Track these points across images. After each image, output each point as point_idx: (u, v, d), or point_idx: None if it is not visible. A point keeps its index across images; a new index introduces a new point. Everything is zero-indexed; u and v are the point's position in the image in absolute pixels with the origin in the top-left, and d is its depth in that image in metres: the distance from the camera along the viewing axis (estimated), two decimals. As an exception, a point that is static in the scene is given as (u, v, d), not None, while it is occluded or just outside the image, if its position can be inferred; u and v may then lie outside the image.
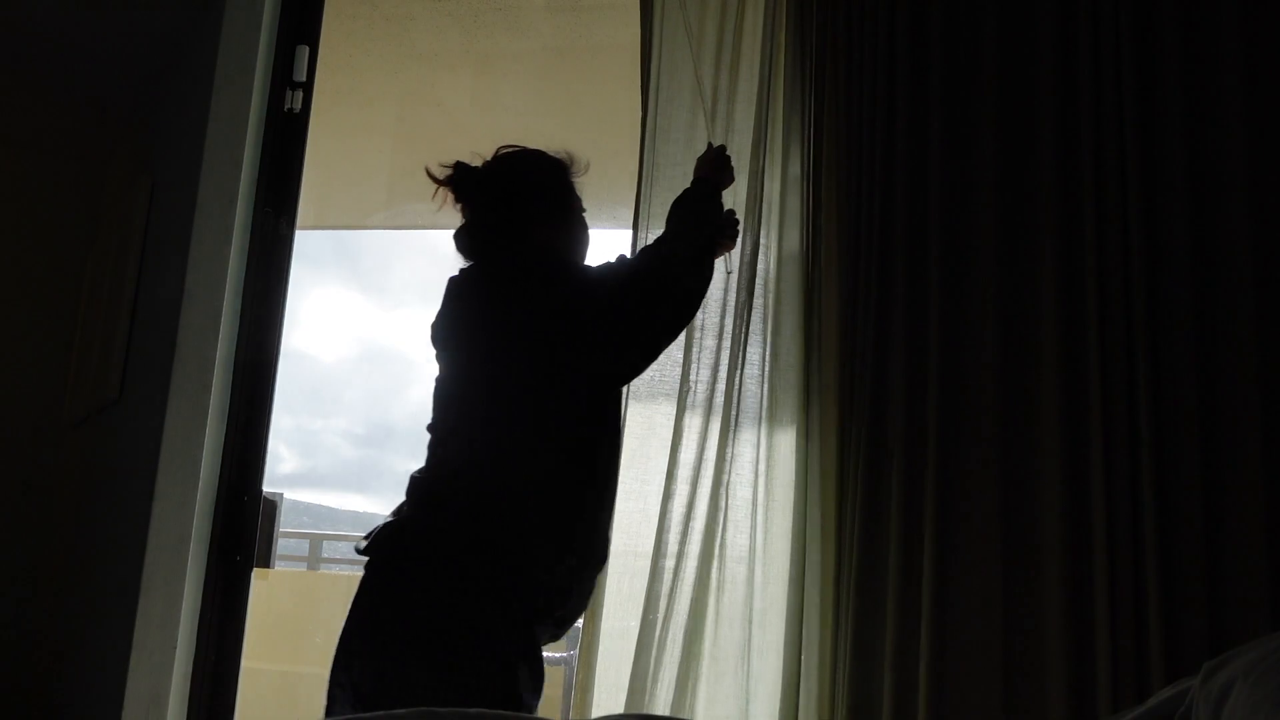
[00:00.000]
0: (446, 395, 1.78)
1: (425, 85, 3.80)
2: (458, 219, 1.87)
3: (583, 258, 1.91)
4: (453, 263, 1.85)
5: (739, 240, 2.06)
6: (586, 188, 1.92)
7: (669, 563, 2.01)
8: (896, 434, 2.01)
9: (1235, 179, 1.97)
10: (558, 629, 1.72)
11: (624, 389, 1.95)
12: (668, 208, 1.91)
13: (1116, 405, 1.93)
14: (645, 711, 1.91)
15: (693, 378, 2.10)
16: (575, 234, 1.91)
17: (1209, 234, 1.97)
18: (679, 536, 2.01)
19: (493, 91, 3.81)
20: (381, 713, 1.04)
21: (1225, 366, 1.93)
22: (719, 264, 2.04)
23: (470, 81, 3.78)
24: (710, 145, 2.01)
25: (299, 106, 2.19)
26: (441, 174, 1.86)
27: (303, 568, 5.83)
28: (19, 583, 1.99)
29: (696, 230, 1.85)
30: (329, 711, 1.58)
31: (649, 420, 2.13)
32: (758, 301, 2.14)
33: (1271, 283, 1.94)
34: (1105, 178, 2.02)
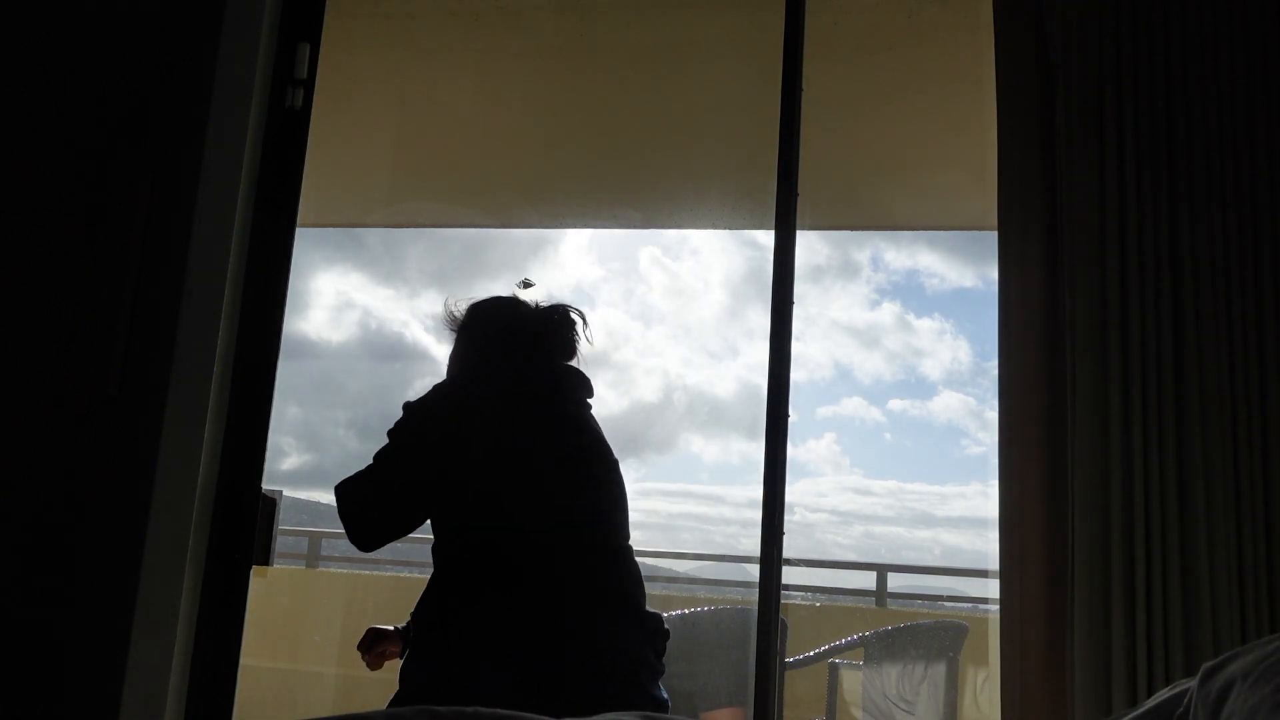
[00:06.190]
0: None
1: (425, 84, 3.80)
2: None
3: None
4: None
5: None
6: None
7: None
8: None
9: None
10: None
11: None
12: None
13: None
14: None
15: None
16: None
17: None
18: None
19: (493, 91, 3.81)
20: (381, 710, 1.04)
21: None
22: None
23: (470, 81, 3.78)
24: None
25: (300, 103, 2.19)
26: None
27: (301, 565, 5.84)
28: (15, 580, 1.99)
29: None
30: None
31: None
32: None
33: None
34: None
